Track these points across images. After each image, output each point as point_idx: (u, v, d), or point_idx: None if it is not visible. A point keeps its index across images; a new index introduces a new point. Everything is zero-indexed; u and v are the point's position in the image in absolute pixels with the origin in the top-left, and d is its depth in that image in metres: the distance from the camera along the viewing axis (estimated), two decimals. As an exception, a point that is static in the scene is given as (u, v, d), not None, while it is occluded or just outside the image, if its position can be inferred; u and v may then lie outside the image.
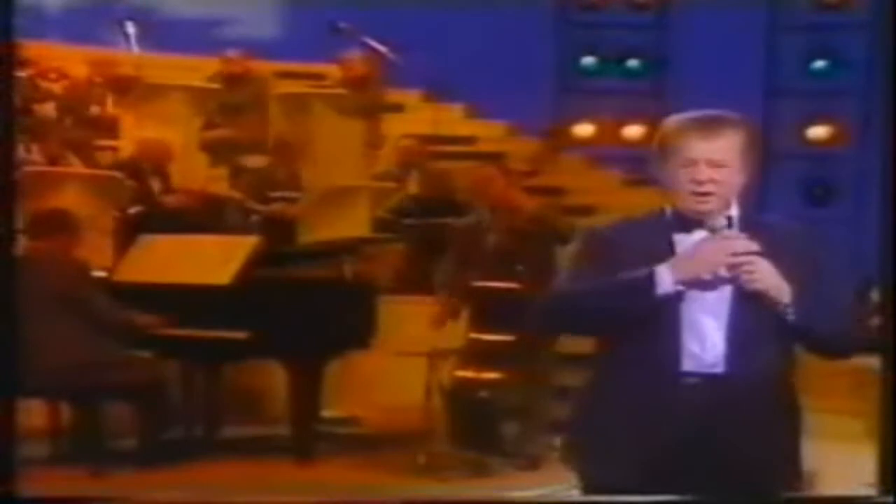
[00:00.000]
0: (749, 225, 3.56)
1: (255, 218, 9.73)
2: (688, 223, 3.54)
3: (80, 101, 10.79)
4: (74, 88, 10.86)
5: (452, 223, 8.68)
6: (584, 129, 12.70)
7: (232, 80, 11.14)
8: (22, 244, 7.67)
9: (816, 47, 12.38)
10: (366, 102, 11.02)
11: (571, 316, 3.59)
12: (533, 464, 7.61)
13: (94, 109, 10.87)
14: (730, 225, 3.54)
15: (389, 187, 10.24)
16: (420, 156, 10.50)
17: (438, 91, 11.85)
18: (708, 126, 3.54)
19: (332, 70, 11.52)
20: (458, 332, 7.89)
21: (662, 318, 3.51)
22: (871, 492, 4.08)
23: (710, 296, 3.52)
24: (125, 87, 10.80)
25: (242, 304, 7.64)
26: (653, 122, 12.34)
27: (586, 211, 10.33)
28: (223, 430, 8.22)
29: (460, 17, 11.60)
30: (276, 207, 9.81)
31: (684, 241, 3.54)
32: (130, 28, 11.10)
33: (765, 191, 12.20)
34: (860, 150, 11.83)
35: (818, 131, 12.40)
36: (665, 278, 3.48)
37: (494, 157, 10.70)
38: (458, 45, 11.54)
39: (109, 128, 10.58)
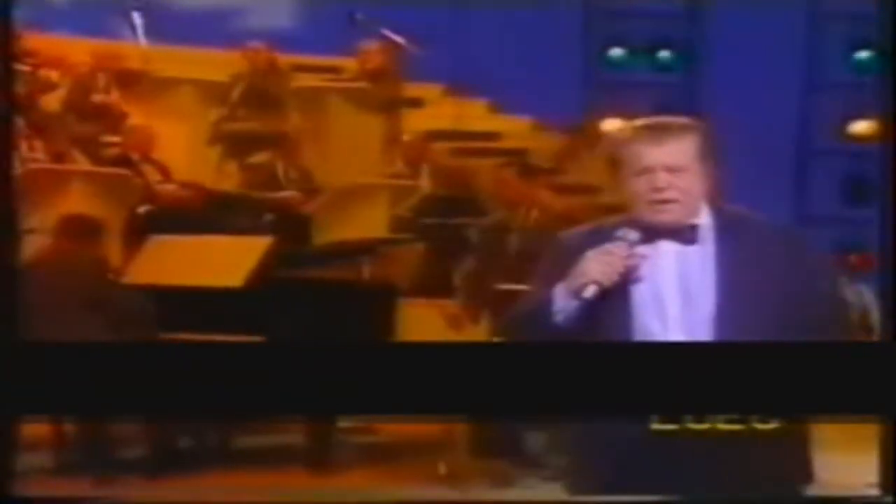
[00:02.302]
0: (723, 230, 3.56)
1: (268, 217, 9.77)
2: (651, 233, 3.53)
3: (86, 95, 10.84)
4: (80, 82, 10.90)
5: (473, 223, 8.71)
6: (612, 125, 12.70)
7: (244, 73, 11.18)
8: (50, 247, 7.79)
9: (857, 38, 12.34)
10: (384, 96, 11.05)
11: (532, 328, 3.61)
12: (560, 476, 7.59)
13: (101, 104, 10.92)
14: (695, 235, 3.54)
15: (409, 186, 10.26)
16: (427, 152, 10.51)
17: (461, 85, 11.87)
18: (660, 131, 3.55)
19: (350, 63, 11.55)
20: (479, 337, 7.91)
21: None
22: (871, 492, 4.15)
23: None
24: (133, 81, 10.86)
25: (256, 307, 7.69)
26: (685, 117, 12.37)
27: (614, 209, 10.33)
28: (236, 438, 8.25)
29: (484, 9, 11.64)
30: (281, 200, 9.85)
31: (645, 253, 3.53)
32: (138, 19, 11.16)
33: (804, 188, 12.23)
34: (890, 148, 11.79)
35: (859, 127, 12.36)
36: (559, 292, 3.51)
37: (519, 154, 10.73)
38: (481, 37, 11.57)
39: (116, 123, 10.64)
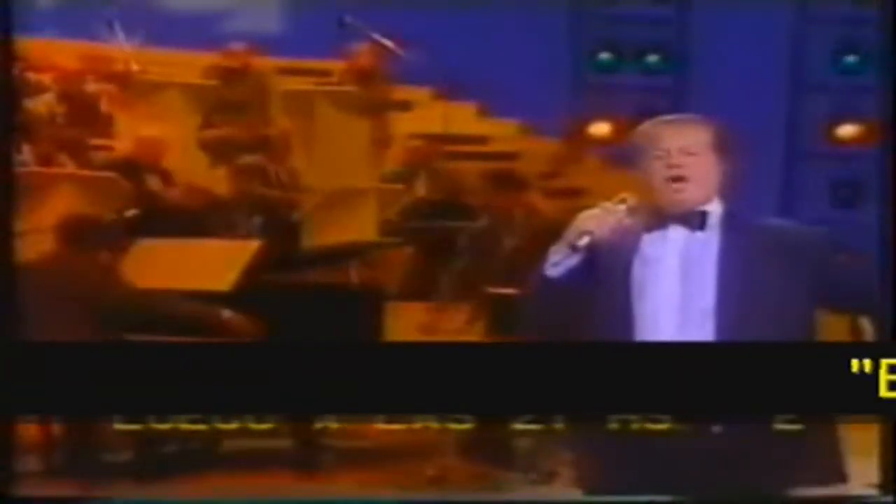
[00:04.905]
0: (733, 223, 3.76)
1: (258, 221, 9.82)
2: (663, 218, 3.76)
3: (73, 98, 10.87)
4: (68, 85, 10.94)
5: (464, 226, 8.76)
6: (600, 128, 12.74)
7: (230, 76, 11.23)
8: (39, 250, 7.83)
9: (846, 42, 12.43)
10: (372, 99, 11.12)
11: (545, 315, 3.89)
12: (548, 479, 7.67)
13: (89, 107, 10.95)
14: (703, 220, 3.75)
15: (397, 189, 10.32)
16: (430, 157, 10.59)
17: (450, 89, 11.93)
18: (676, 121, 3.84)
19: (338, 66, 11.61)
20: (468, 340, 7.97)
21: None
22: (871, 492, 4.23)
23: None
24: (121, 84, 10.91)
25: (244, 311, 7.73)
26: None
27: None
28: (223, 442, 8.22)
29: (472, 13, 11.68)
30: (271, 203, 9.91)
31: (653, 237, 3.76)
32: (127, 22, 11.20)
33: (791, 191, 12.31)
34: (888, 150, 11.85)
35: (847, 130, 12.45)
36: (559, 244, 3.81)
37: (509, 157, 10.80)
38: (470, 41, 11.61)
39: (104, 126, 10.69)
